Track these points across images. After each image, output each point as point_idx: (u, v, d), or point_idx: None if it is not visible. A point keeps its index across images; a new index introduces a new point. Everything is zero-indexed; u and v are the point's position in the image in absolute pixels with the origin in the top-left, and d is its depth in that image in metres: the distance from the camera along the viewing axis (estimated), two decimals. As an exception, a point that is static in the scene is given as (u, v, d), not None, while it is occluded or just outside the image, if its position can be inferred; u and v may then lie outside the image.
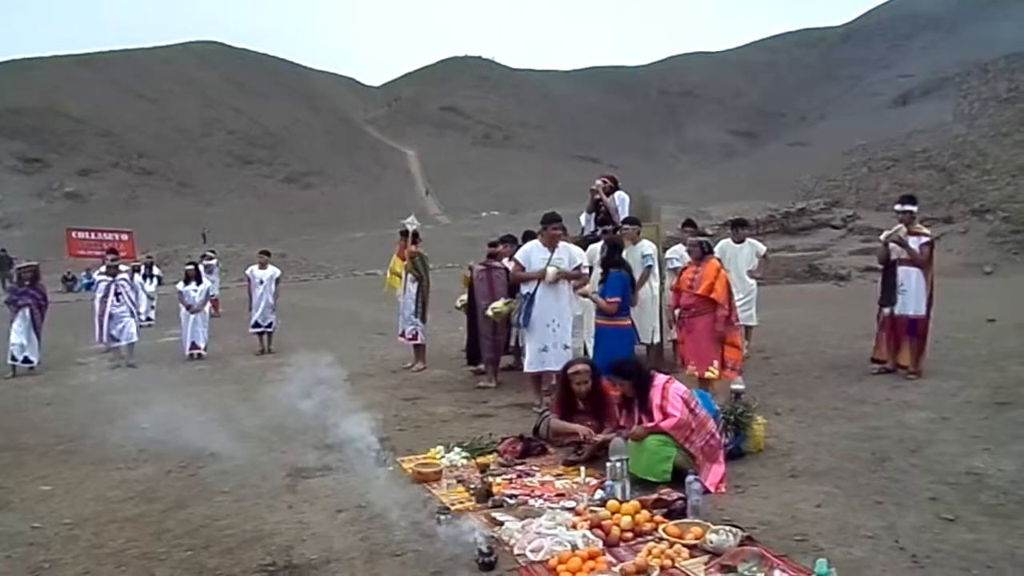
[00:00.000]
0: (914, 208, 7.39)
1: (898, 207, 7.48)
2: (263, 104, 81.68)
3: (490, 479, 4.63)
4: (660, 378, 4.72)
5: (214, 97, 79.71)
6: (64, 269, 33.28)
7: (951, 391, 6.61)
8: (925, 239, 7.29)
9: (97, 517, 4.45)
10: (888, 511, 3.91)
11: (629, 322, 6.43)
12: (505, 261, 8.74)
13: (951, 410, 5.97)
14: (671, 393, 4.57)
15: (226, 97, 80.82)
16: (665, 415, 4.49)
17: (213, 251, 22.47)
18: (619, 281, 6.27)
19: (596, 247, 7.15)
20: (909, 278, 7.20)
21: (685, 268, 6.75)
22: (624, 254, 7.88)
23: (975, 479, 4.34)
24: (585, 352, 7.06)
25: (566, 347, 6.64)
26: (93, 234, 33.95)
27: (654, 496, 4.10)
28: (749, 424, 5.06)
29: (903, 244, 7.18)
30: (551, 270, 6.68)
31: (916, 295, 7.17)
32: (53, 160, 62.96)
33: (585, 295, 6.25)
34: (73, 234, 33.93)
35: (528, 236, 7.83)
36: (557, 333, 6.68)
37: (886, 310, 7.33)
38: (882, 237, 7.45)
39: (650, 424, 4.52)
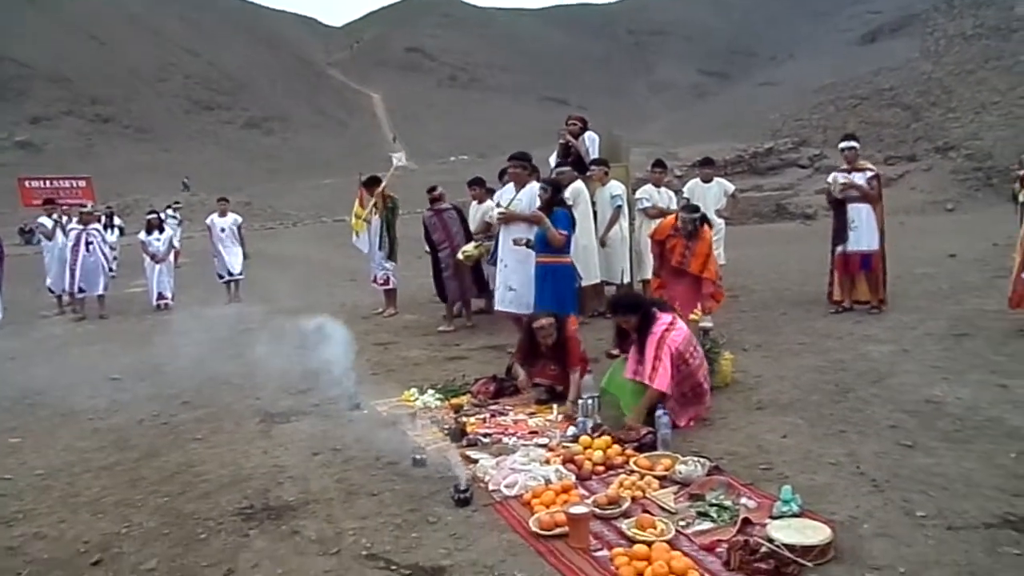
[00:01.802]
0: (856, 144, 7.57)
1: (842, 145, 7.69)
2: (220, 47, 78.96)
3: (464, 419, 4.69)
4: (660, 323, 4.51)
5: (169, 39, 76.79)
6: (19, 221, 32.36)
7: (912, 324, 6.79)
8: (871, 173, 7.48)
9: (70, 467, 4.43)
10: (850, 439, 4.04)
11: (569, 260, 6.40)
12: (475, 203, 8.71)
13: (912, 342, 6.14)
14: (667, 344, 4.40)
15: (182, 39, 77.90)
16: (655, 371, 4.33)
17: (178, 202, 22.22)
18: (563, 217, 6.20)
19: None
20: (859, 214, 7.35)
21: (671, 236, 6.32)
22: (593, 195, 7.91)
23: (933, 407, 4.49)
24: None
25: (511, 289, 6.58)
26: (48, 182, 32.80)
27: (623, 431, 4.20)
28: (717, 360, 5.15)
29: (851, 186, 7.35)
30: (495, 212, 6.70)
31: (868, 230, 7.33)
32: (2, 108, 60.55)
33: (540, 222, 6.10)
34: (26, 183, 32.79)
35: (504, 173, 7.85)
36: (503, 273, 6.68)
37: (839, 248, 7.48)
38: (833, 193, 7.54)
39: (643, 378, 4.38)
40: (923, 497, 3.27)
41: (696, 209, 6.39)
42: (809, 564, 2.74)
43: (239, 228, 11.84)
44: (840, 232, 7.46)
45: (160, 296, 11.39)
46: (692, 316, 6.20)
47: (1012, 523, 3.01)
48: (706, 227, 6.27)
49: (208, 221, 12.05)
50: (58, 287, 11.33)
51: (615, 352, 4.72)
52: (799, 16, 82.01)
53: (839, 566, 2.76)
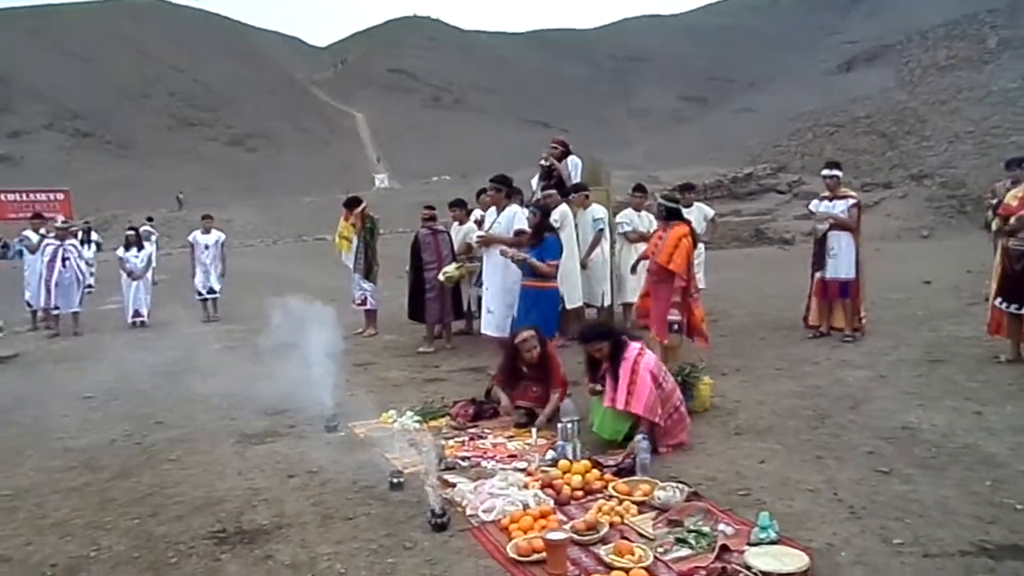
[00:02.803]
0: (839, 173, 7.65)
1: (825, 172, 7.75)
2: (205, 64, 78.79)
3: (442, 442, 4.66)
4: (632, 349, 4.53)
5: (153, 56, 76.56)
6: (-4, 235, 31.90)
7: (887, 350, 6.86)
8: (852, 201, 7.55)
9: (38, 488, 4.34)
10: (827, 465, 4.06)
11: (555, 285, 6.43)
12: (455, 225, 8.73)
13: (887, 368, 6.19)
14: (641, 369, 4.41)
15: (165, 56, 77.66)
16: (632, 395, 4.34)
17: (151, 217, 22.04)
18: (554, 245, 6.23)
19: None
20: (839, 242, 7.40)
21: (656, 230, 6.67)
22: (575, 218, 7.95)
23: (909, 434, 4.52)
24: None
25: (489, 311, 6.69)
26: (24, 195, 32.44)
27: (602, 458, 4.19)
28: (696, 384, 5.17)
29: (828, 217, 7.44)
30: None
31: (847, 258, 7.38)
32: (-20, 122, 59.88)
33: (522, 259, 6.13)
34: (2, 196, 32.44)
35: (481, 192, 8.12)
36: (485, 296, 6.84)
37: (818, 274, 7.55)
38: (817, 233, 7.63)
39: (619, 406, 4.38)
40: (900, 524, 3.29)
41: (675, 200, 6.47)
42: (787, 592, 2.73)
43: (222, 246, 11.77)
44: (819, 258, 7.52)
45: (136, 313, 11.26)
46: (668, 340, 6.23)
47: (988, 551, 3.03)
48: (680, 223, 6.31)
49: (191, 238, 11.96)
50: (37, 302, 11.17)
51: (599, 388, 4.63)
52: (776, 45, 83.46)
53: (816, 594, 2.76)
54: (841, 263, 7.36)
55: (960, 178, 24.70)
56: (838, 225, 7.40)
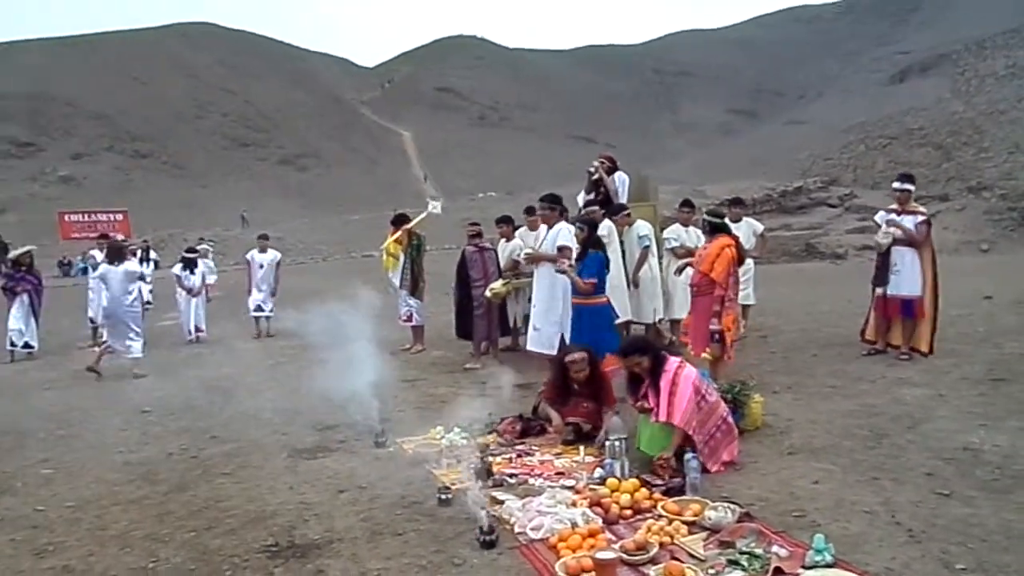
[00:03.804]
0: (912, 187, 7.30)
1: (896, 185, 7.39)
2: (257, 86, 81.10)
3: (490, 459, 4.67)
4: (672, 362, 4.53)
5: (207, 79, 79.11)
6: (60, 254, 33.16)
7: (947, 368, 6.64)
8: (921, 218, 7.20)
9: (99, 500, 4.48)
10: (885, 487, 3.94)
11: (605, 300, 6.40)
12: (503, 241, 8.78)
13: (947, 387, 5.99)
14: (682, 380, 4.41)
15: (219, 79, 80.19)
16: (672, 406, 4.34)
17: (203, 238, 22.65)
18: (596, 262, 6.22)
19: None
20: (903, 258, 7.10)
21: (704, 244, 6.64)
22: (621, 235, 7.93)
23: (971, 455, 4.37)
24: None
25: (536, 328, 6.72)
26: (86, 216, 33.77)
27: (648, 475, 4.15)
28: (747, 402, 5.08)
29: (896, 226, 7.17)
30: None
31: (910, 275, 7.07)
32: (46, 144, 62.61)
33: (563, 272, 6.17)
34: (65, 217, 33.81)
35: (530, 211, 8.21)
36: (533, 312, 6.91)
37: (879, 290, 7.30)
38: (879, 248, 7.37)
39: (663, 418, 4.36)
40: (962, 549, 3.18)
41: (720, 215, 6.40)
42: (844, 617, 2.67)
43: (277, 265, 12.07)
44: (882, 273, 7.26)
45: (197, 328, 11.60)
46: (704, 354, 6.15)
47: (1056, 579, 2.91)
48: (723, 235, 6.22)
49: (248, 256, 12.31)
50: (98, 318, 11.56)
51: (647, 406, 4.60)
52: (827, 57, 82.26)
53: (875, 620, 2.68)
54: (904, 280, 7.07)
55: (1021, 189, 23.92)
56: (903, 241, 7.11)
